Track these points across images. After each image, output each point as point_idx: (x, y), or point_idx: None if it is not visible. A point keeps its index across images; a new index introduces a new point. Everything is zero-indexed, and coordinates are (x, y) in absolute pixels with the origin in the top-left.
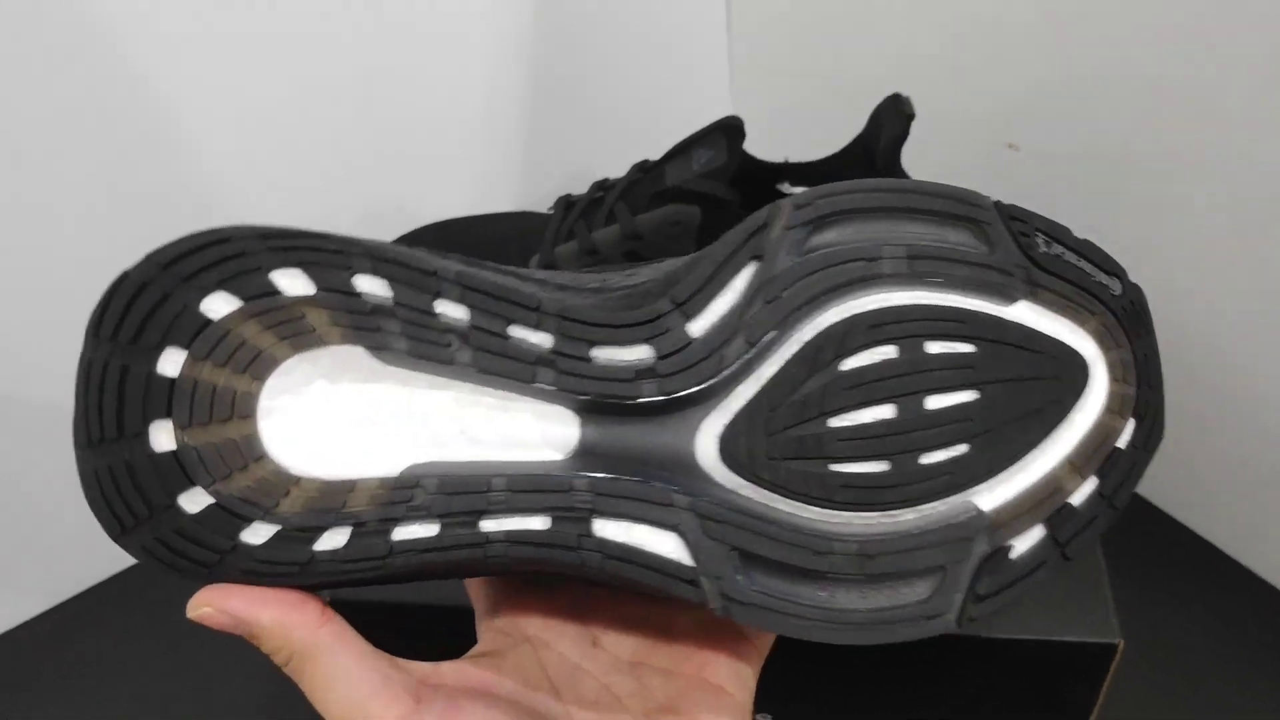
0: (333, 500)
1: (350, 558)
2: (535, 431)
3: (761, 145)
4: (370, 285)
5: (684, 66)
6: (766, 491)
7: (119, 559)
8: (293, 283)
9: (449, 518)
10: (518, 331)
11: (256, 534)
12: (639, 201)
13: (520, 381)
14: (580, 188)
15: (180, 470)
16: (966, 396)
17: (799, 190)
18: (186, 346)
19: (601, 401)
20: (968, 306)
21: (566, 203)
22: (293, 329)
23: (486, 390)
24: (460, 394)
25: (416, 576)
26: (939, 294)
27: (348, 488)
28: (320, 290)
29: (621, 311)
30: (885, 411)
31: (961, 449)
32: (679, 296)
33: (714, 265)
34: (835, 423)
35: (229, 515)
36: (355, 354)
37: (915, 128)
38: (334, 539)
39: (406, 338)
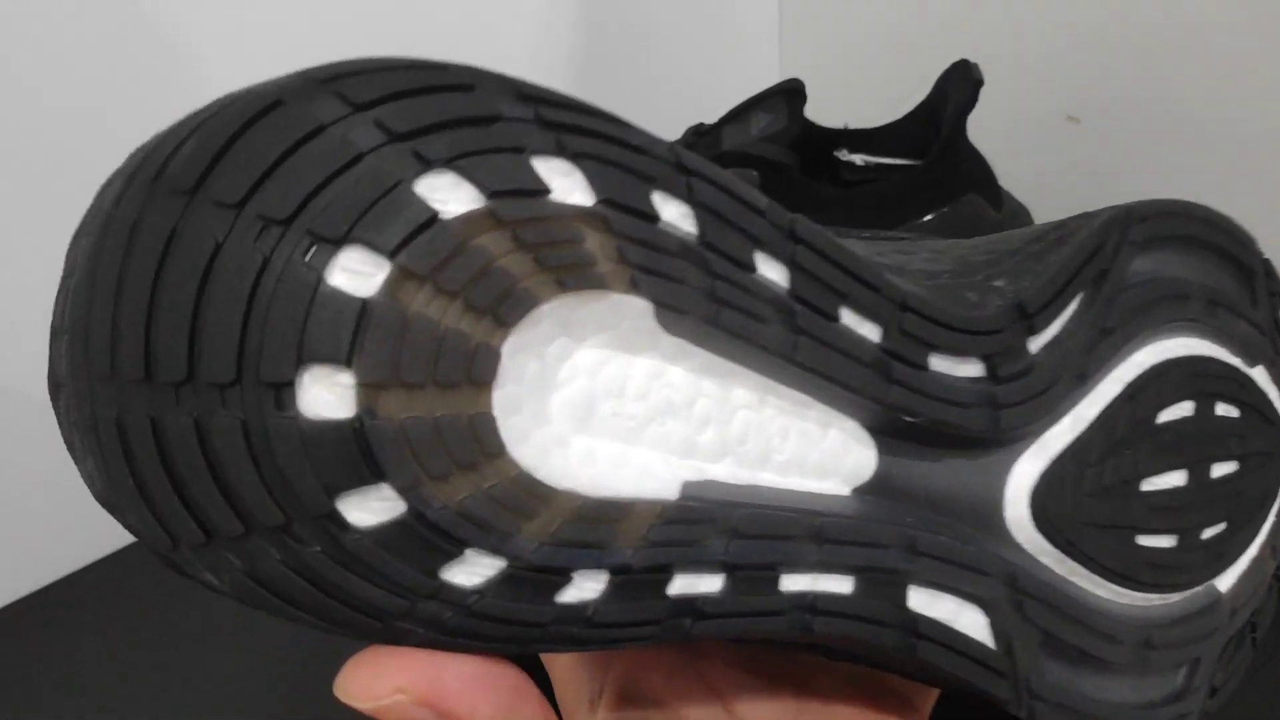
0: (598, 529)
1: (613, 619)
2: (830, 454)
3: (812, 109)
4: (672, 211)
5: (733, 29)
6: (1071, 563)
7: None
8: (564, 182)
9: (742, 571)
10: (850, 316)
11: (470, 571)
12: None
13: (844, 388)
14: None
15: (360, 455)
16: (1232, 467)
17: (856, 158)
18: (393, 253)
19: (914, 426)
20: (1237, 365)
21: None
22: (567, 256)
23: (782, 387)
24: (751, 389)
25: (702, 638)
26: (1223, 348)
27: (619, 511)
28: (604, 204)
29: (959, 309)
30: (1180, 478)
31: (1222, 526)
32: (1032, 305)
33: (1069, 273)
34: (1147, 486)
35: (435, 538)
36: (635, 309)
37: None
38: (585, 588)
39: (715, 301)
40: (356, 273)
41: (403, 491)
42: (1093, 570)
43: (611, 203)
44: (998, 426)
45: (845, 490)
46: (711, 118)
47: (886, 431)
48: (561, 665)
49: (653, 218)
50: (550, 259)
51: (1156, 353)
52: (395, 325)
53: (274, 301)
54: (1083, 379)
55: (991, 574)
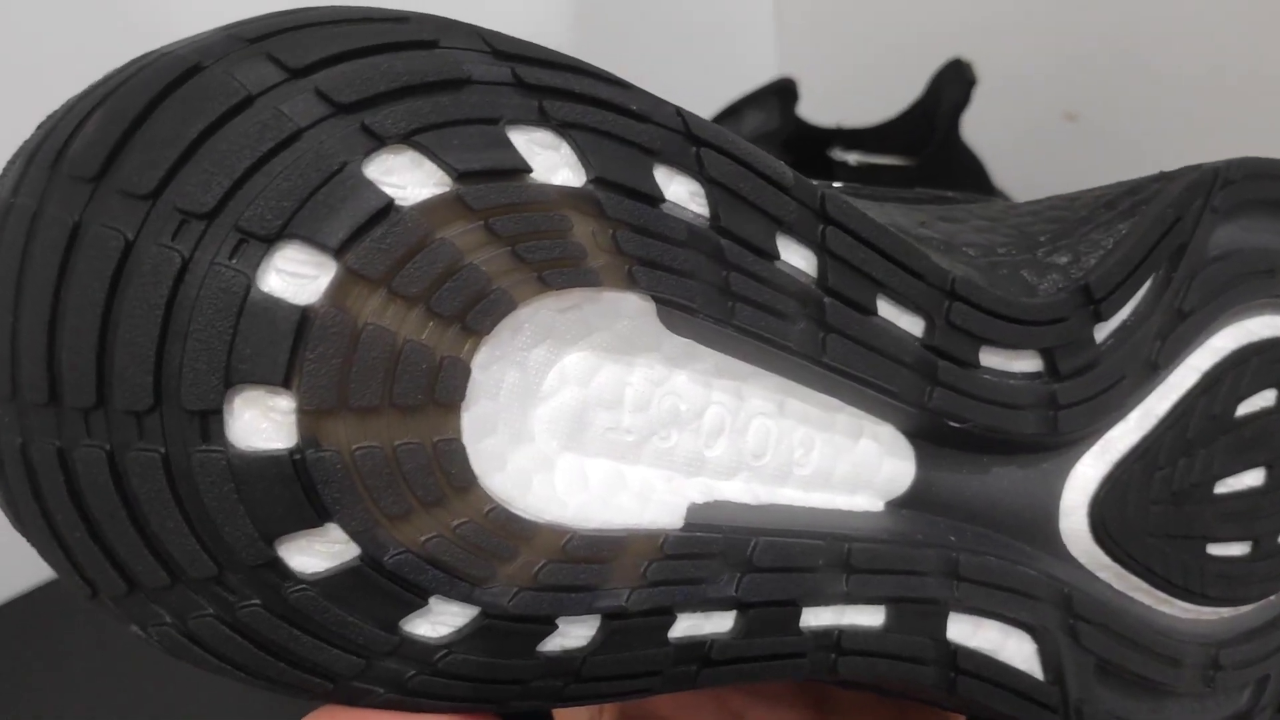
0: (588, 570)
1: (608, 671)
2: (861, 465)
3: (810, 108)
4: (678, 190)
5: (728, 27)
6: (1132, 577)
7: None
8: (549, 159)
9: (757, 609)
10: (888, 308)
11: (437, 623)
12: None
13: (880, 392)
14: None
15: (302, 492)
16: None
17: (850, 157)
18: (338, 251)
19: (960, 431)
20: None
21: None
22: (552, 249)
23: (804, 390)
24: (769, 393)
25: (711, 685)
26: None
27: (612, 547)
28: (596, 184)
29: (1014, 294)
30: (1258, 477)
31: None
32: (1100, 289)
33: (1144, 250)
34: (1221, 489)
35: (393, 587)
36: (633, 308)
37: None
38: (573, 635)
39: (732, 297)
40: (295, 275)
41: (355, 534)
42: (1157, 586)
43: (605, 182)
44: (1056, 429)
45: (878, 505)
46: (706, 115)
47: (927, 438)
48: None
49: (655, 199)
50: (531, 253)
51: (1237, 336)
52: (342, 338)
53: (196, 312)
54: (1154, 370)
55: (1042, 598)
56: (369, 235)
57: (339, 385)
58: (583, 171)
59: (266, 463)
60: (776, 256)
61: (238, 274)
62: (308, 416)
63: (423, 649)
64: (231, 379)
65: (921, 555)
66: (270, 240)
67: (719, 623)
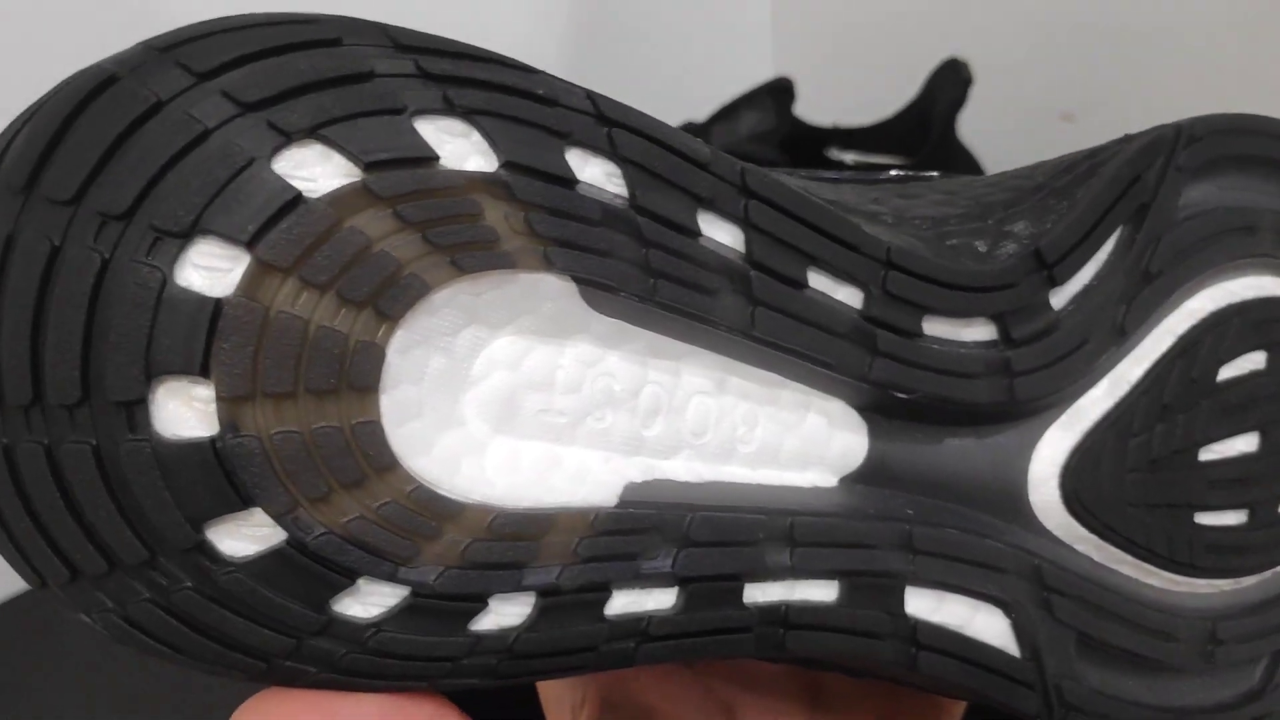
0: (516, 549)
1: (541, 648)
2: (810, 440)
3: (806, 108)
4: (594, 171)
5: (725, 26)
6: (1113, 549)
7: None
8: (458, 146)
9: (698, 582)
10: (820, 281)
11: (366, 603)
12: None
13: (815, 364)
14: None
15: (224, 478)
16: None
17: (846, 156)
18: (249, 243)
19: (911, 403)
20: None
21: None
22: (462, 233)
23: (745, 367)
24: (708, 371)
25: (650, 663)
26: None
27: (541, 526)
28: (508, 168)
29: (962, 263)
30: (1251, 442)
31: None
32: (1051, 253)
33: (1099, 212)
34: (1206, 455)
35: (318, 568)
36: (555, 289)
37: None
38: (507, 614)
39: (651, 274)
40: (209, 269)
41: (278, 517)
42: (1141, 557)
43: (516, 166)
44: (1013, 397)
45: (832, 480)
46: (704, 115)
47: (878, 411)
48: None
49: (568, 180)
50: (442, 237)
51: (1216, 297)
52: (255, 327)
53: (116, 308)
54: (1122, 334)
55: (1009, 570)
56: (277, 227)
57: (253, 372)
58: (493, 157)
59: (189, 450)
60: (699, 233)
61: (154, 270)
62: (226, 404)
63: (352, 628)
64: (152, 371)
65: (873, 529)
66: (184, 236)
67: (660, 599)
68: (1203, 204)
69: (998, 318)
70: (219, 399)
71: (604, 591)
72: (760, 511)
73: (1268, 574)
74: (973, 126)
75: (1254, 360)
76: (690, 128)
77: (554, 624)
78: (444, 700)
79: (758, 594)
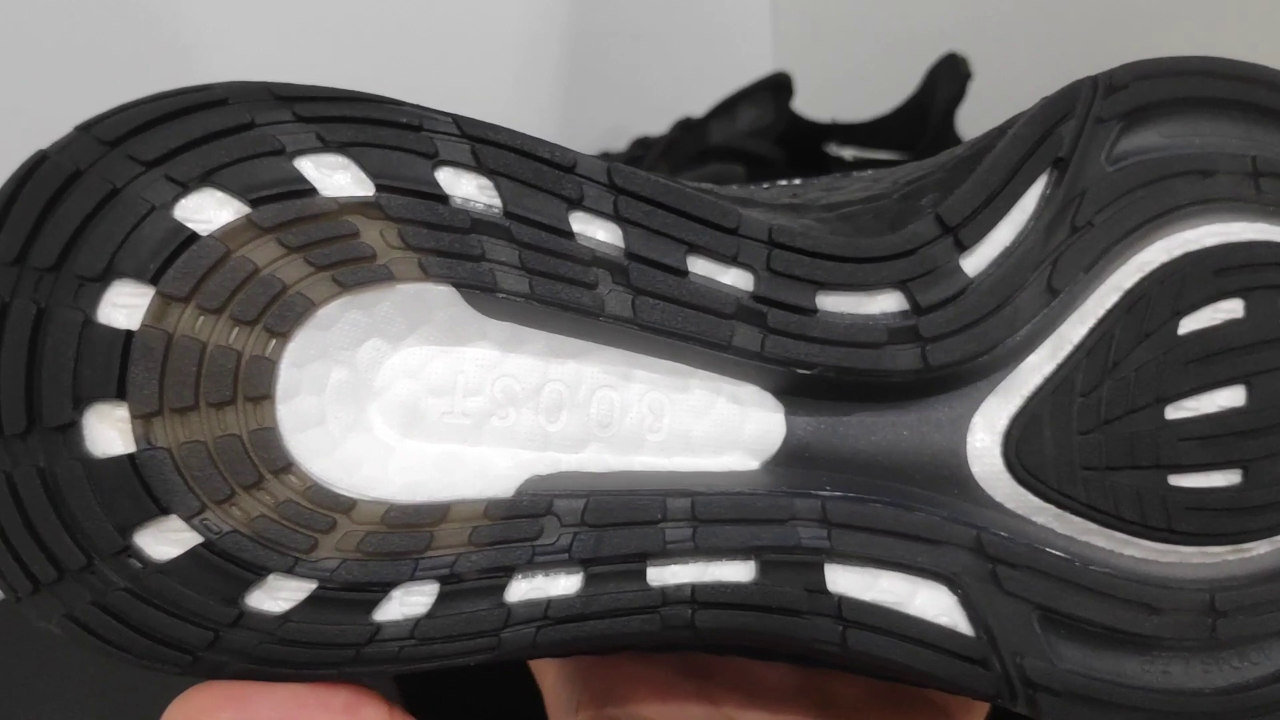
0: (409, 538)
1: (439, 634)
2: (722, 425)
3: (805, 103)
4: (467, 186)
5: (725, 20)
6: (1075, 519)
7: None
8: (336, 177)
9: (599, 564)
10: (702, 265)
11: (275, 596)
12: (681, 160)
13: (706, 346)
14: (619, 145)
15: (141, 488)
16: None
17: (845, 152)
18: (153, 280)
19: (822, 380)
20: None
21: (605, 160)
22: (340, 253)
23: (649, 360)
24: (610, 365)
25: (553, 647)
26: None
27: (434, 516)
28: (384, 190)
29: (860, 238)
30: (1235, 396)
31: None
32: (951, 216)
33: (1003, 171)
34: (1175, 413)
35: (228, 565)
36: (440, 297)
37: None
38: (410, 603)
39: (527, 272)
40: (125, 306)
41: (189, 520)
42: (1109, 525)
43: (390, 188)
44: (927, 364)
45: (753, 464)
46: (703, 110)
47: (794, 392)
48: (549, 675)
49: (440, 196)
50: (322, 258)
51: (1169, 248)
52: (158, 351)
53: (50, 347)
54: (1052, 293)
55: (947, 542)
56: (176, 263)
57: (160, 391)
58: (368, 183)
59: (113, 465)
60: (573, 232)
61: (78, 311)
62: (139, 421)
63: (264, 620)
64: (79, 397)
65: (783, 503)
66: (100, 280)
67: (564, 583)
68: (1144, 152)
69: (903, 286)
70: (133, 417)
71: (504, 576)
72: (661, 492)
73: (1274, 543)
74: (972, 121)
75: (1227, 309)
76: (688, 123)
77: (455, 610)
78: (359, 688)
79: (665, 574)
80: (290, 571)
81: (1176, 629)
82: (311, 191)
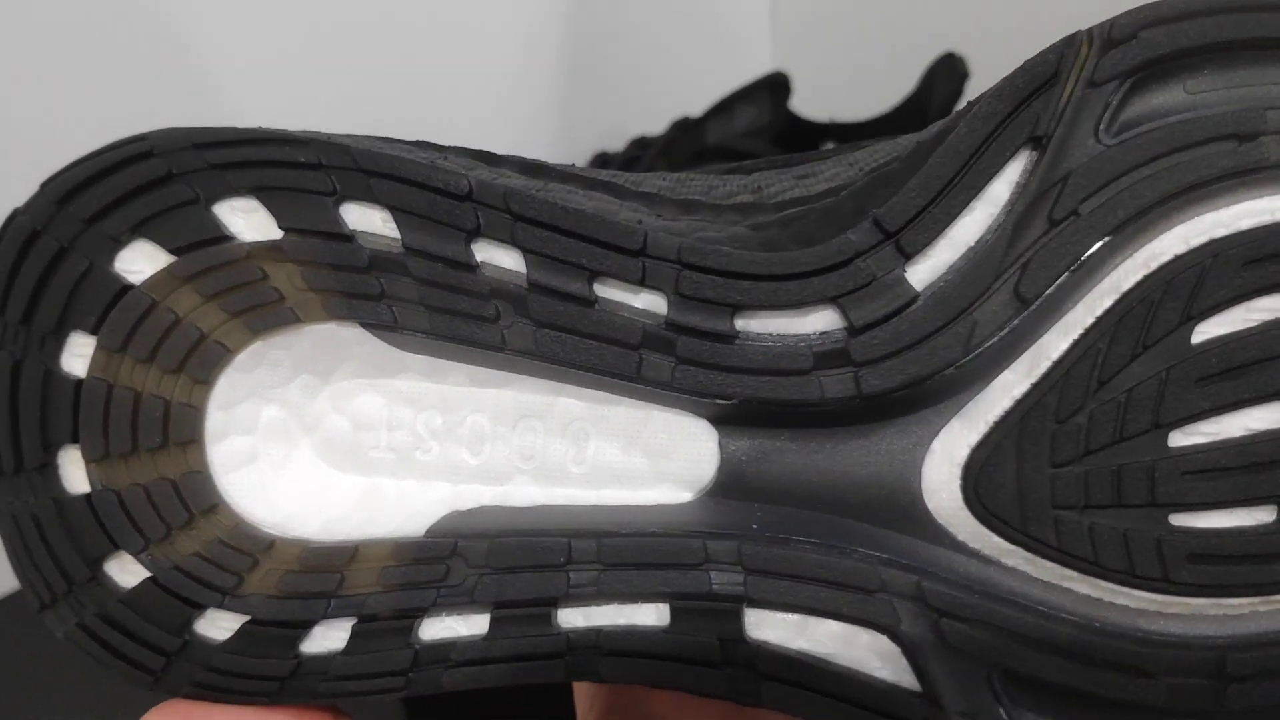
0: (322, 579)
1: (354, 671)
2: (650, 455)
3: (803, 103)
4: (372, 219)
5: (724, 20)
6: (1048, 564)
7: None
8: (247, 220)
9: (506, 607)
10: (613, 290)
11: (217, 625)
12: (678, 160)
13: (615, 376)
14: (617, 145)
15: (98, 525)
16: None
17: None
18: (94, 331)
19: (753, 407)
20: None
21: (602, 160)
22: (249, 298)
23: (573, 388)
24: (533, 395)
25: (459, 688)
26: None
27: (344, 556)
28: (289, 231)
29: (784, 251)
30: (1270, 416)
31: None
32: (891, 220)
33: (958, 159)
34: (1182, 439)
35: (171, 599)
36: (352, 335)
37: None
38: (330, 638)
39: (426, 308)
40: (80, 356)
41: (138, 555)
42: (1088, 572)
43: (294, 229)
44: (860, 391)
45: (685, 496)
46: (701, 111)
47: (727, 418)
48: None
49: (341, 235)
50: (234, 304)
51: (1189, 235)
52: (101, 399)
53: (24, 395)
54: (1023, 302)
55: (883, 591)
56: (112, 314)
57: (105, 437)
58: (276, 225)
59: (77, 503)
60: (475, 264)
61: (41, 362)
62: (92, 465)
63: (207, 650)
64: (48, 441)
65: (696, 547)
66: (57, 333)
67: (474, 625)
68: (1158, 117)
69: (841, 300)
70: (86, 461)
71: (413, 617)
72: (570, 533)
73: None
74: None
75: (1269, 307)
76: (686, 123)
77: (367, 648)
78: (310, 709)
79: (576, 618)
80: (222, 606)
81: (1173, 696)
82: (226, 238)
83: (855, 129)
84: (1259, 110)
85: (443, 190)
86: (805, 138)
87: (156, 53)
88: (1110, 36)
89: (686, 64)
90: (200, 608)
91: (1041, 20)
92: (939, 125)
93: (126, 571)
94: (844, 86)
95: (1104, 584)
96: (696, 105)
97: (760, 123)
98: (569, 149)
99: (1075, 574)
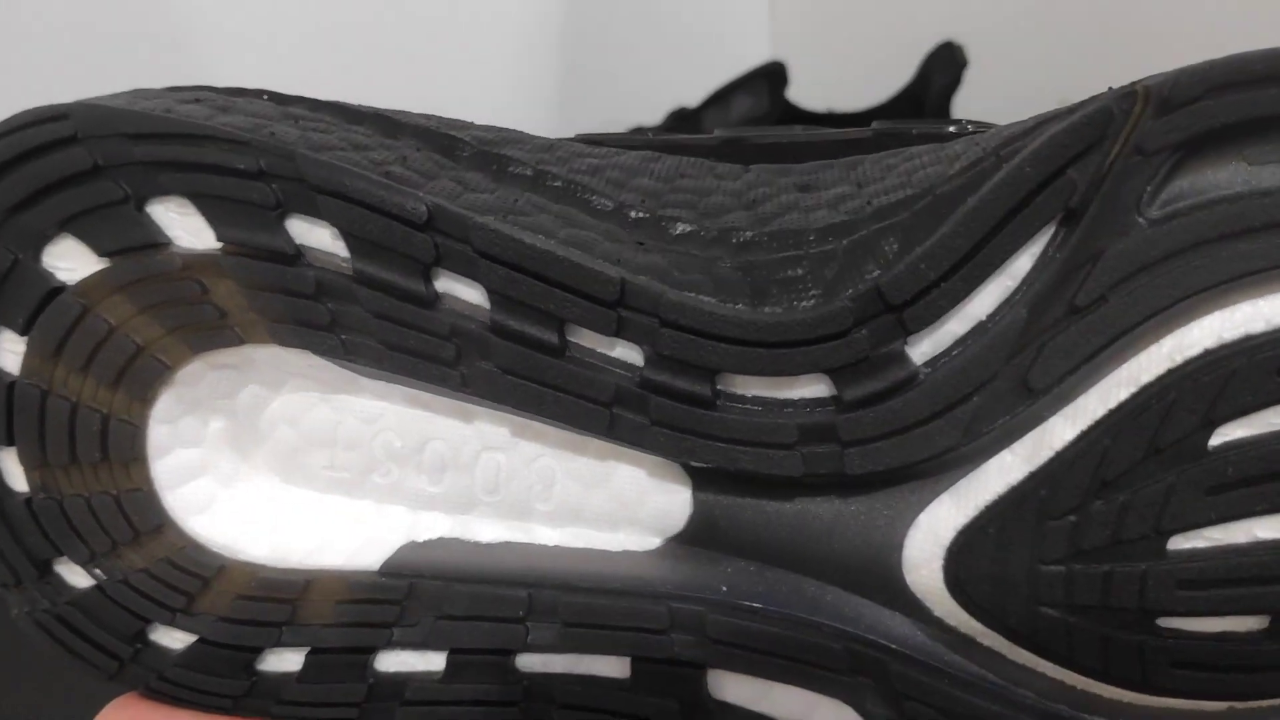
0: (273, 608)
1: (307, 698)
2: (619, 499)
3: (797, 91)
4: (321, 236)
5: (722, 9)
6: (1024, 652)
7: None
8: (184, 225)
9: (463, 654)
10: (587, 336)
11: (171, 636)
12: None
13: (584, 430)
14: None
15: (38, 530)
16: None
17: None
18: (23, 332)
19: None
20: None
21: None
22: (188, 315)
23: (540, 425)
24: (496, 427)
25: None
26: None
27: (296, 587)
28: (228, 244)
29: (774, 307)
30: (1272, 528)
31: None
32: (895, 293)
33: (974, 232)
34: (1182, 544)
35: (116, 608)
36: (301, 356)
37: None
38: (286, 662)
39: (380, 343)
40: (12, 353)
41: (83, 565)
42: (1068, 667)
43: (233, 243)
44: (843, 472)
45: (653, 542)
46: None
47: (703, 471)
48: None
49: (284, 254)
50: (172, 319)
51: (1219, 328)
52: (35, 406)
53: None
54: (1035, 392)
55: (845, 670)
56: (43, 315)
57: (41, 447)
58: (213, 237)
59: (19, 504)
60: (432, 298)
61: None
62: (28, 470)
63: (160, 659)
64: None
65: (660, 612)
66: None
67: (432, 662)
68: (1213, 190)
69: (837, 373)
70: (23, 466)
71: (367, 653)
72: (530, 584)
73: None
74: (968, 110)
75: None
76: (683, 113)
77: (321, 678)
78: None
79: (534, 663)
80: (173, 624)
81: None
82: (159, 244)
83: (852, 119)
84: None
85: (397, 216)
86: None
87: (151, 43)
88: (1169, 97)
89: (687, 55)
90: (149, 622)
91: (1039, 8)
92: (960, 174)
93: (76, 574)
94: (843, 76)
95: (1081, 678)
96: (696, 96)
97: (757, 112)
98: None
99: (1051, 666)
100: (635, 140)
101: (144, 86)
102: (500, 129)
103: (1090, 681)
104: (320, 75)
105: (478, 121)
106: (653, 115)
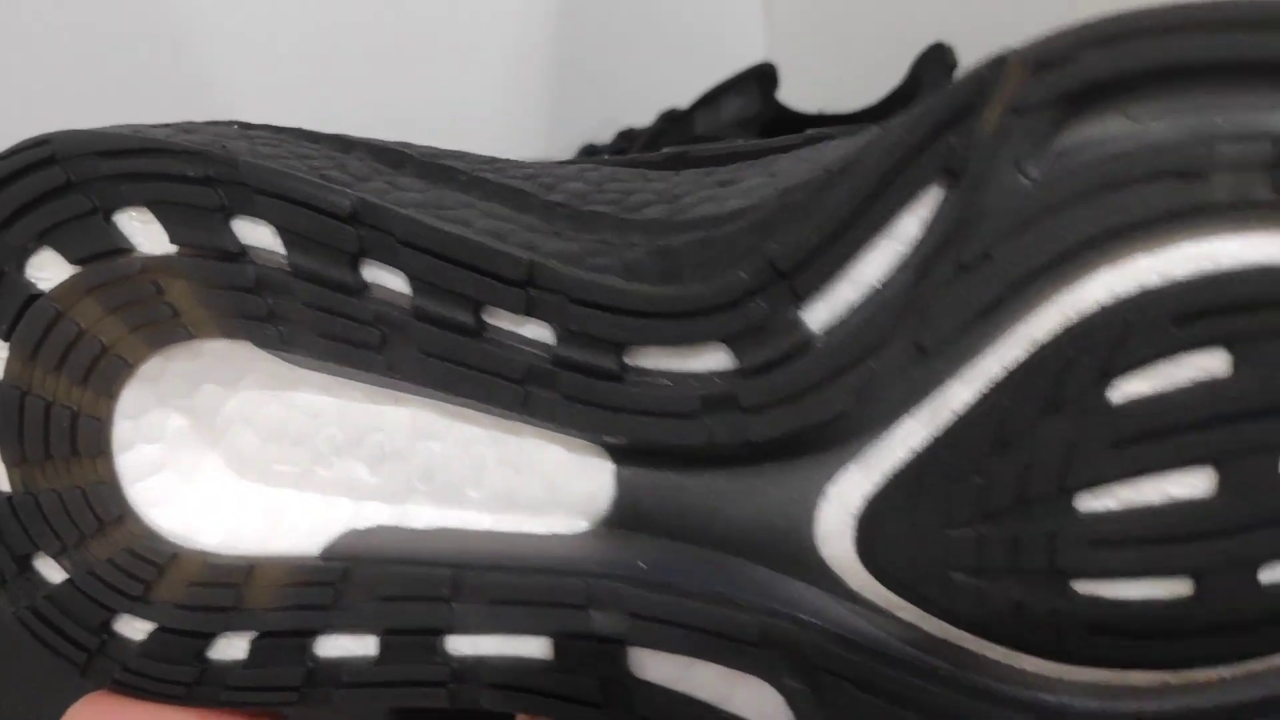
0: (222, 591)
1: (250, 683)
2: (547, 482)
3: (794, 94)
4: (257, 235)
5: (715, 9)
6: (939, 622)
7: None
8: (145, 233)
9: (394, 635)
10: (497, 319)
11: (133, 627)
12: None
13: (502, 409)
14: (604, 137)
15: (18, 525)
16: None
17: None
18: (5, 338)
19: (649, 444)
20: None
21: (589, 153)
22: (146, 313)
23: (465, 413)
24: (432, 415)
25: (349, 709)
26: None
27: (241, 573)
28: (181, 246)
29: (679, 284)
30: (1196, 482)
31: None
32: (784, 260)
33: (857, 195)
34: (1091, 504)
35: (87, 601)
36: (249, 350)
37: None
38: (232, 648)
39: (314, 331)
40: (1, 359)
41: (56, 558)
42: (984, 636)
43: (186, 244)
44: (748, 439)
45: (581, 526)
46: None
47: (624, 452)
48: None
49: (228, 253)
50: (133, 318)
51: (1113, 283)
52: (15, 406)
53: None
54: (926, 351)
55: (762, 644)
56: (22, 321)
57: (20, 444)
58: (169, 239)
59: (3, 503)
60: (361, 287)
61: None
62: (10, 468)
63: (124, 649)
64: None
65: (580, 588)
66: None
67: (366, 645)
68: (1091, 149)
69: (733, 342)
70: (5, 464)
71: (308, 636)
72: (457, 566)
73: (1234, 670)
74: None
75: (1202, 364)
76: (673, 115)
77: (264, 662)
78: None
79: (464, 646)
80: (134, 612)
81: None
82: (124, 250)
83: (843, 120)
84: (1208, 142)
85: (324, 210)
86: (793, 129)
87: (151, 45)
88: (1043, 57)
89: (680, 57)
90: (114, 612)
91: (1032, 12)
92: (847, 151)
93: (51, 568)
94: (839, 78)
95: (999, 648)
96: (691, 96)
97: (748, 113)
98: (556, 142)
99: (968, 635)
100: (585, 161)
101: (143, 87)
102: (455, 151)
103: (1010, 652)
104: (320, 75)
105: (473, 123)
106: (647, 115)
